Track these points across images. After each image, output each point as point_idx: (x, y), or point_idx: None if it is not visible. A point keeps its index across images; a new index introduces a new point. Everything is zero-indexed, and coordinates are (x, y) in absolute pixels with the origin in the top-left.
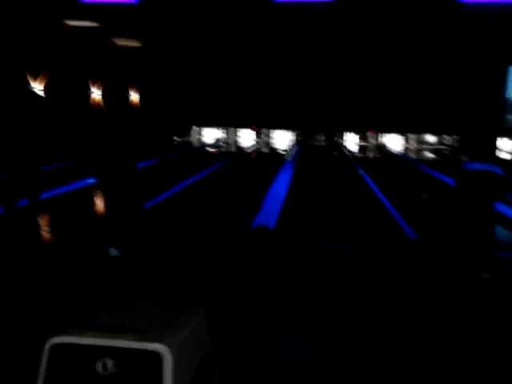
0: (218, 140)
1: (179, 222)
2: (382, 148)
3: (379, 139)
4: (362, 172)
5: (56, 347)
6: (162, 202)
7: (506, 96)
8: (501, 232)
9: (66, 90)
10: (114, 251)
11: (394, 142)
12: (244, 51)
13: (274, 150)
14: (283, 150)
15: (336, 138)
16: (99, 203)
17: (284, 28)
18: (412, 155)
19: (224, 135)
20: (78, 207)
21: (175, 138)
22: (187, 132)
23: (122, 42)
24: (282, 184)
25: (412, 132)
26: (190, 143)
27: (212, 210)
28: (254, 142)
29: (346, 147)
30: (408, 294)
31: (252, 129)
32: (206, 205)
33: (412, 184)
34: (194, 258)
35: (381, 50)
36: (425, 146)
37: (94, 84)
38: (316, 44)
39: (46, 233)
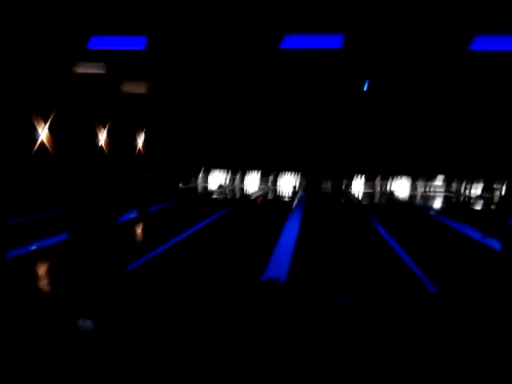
0: (221, 186)
1: (180, 275)
2: (390, 195)
3: (387, 186)
4: (372, 220)
5: None
6: (163, 253)
7: None
8: None
9: (73, 137)
10: (86, 323)
11: (401, 189)
12: (251, 96)
13: (279, 197)
14: (289, 197)
15: (343, 185)
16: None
17: (291, 73)
18: (420, 202)
19: (228, 182)
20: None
21: (180, 184)
22: (192, 179)
23: (129, 89)
24: (290, 234)
25: (421, 175)
26: (194, 190)
27: (219, 260)
28: (258, 189)
29: (353, 194)
30: (431, 352)
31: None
32: (211, 255)
33: (425, 231)
34: (200, 317)
35: (387, 95)
36: (433, 192)
37: (100, 131)
38: (323, 89)
39: None
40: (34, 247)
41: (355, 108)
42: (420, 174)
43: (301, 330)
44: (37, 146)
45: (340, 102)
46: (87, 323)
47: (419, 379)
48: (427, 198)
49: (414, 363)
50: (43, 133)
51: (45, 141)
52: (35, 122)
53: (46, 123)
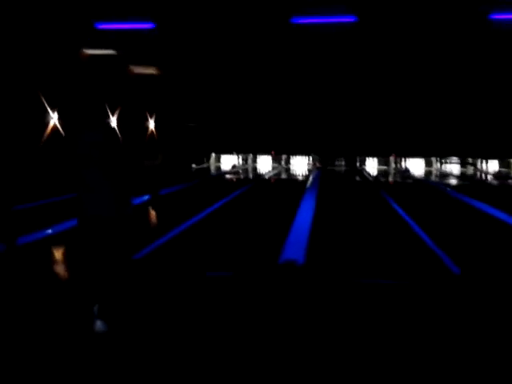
0: (235, 166)
1: (196, 257)
2: (404, 172)
3: (401, 163)
4: (387, 197)
5: None
6: (179, 235)
7: None
8: None
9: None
10: (100, 325)
11: (416, 166)
12: (263, 75)
13: (293, 176)
14: (303, 176)
15: (357, 163)
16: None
17: (304, 49)
18: (435, 179)
19: (241, 161)
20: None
21: (193, 165)
22: (205, 159)
23: (139, 70)
24: (306, 213)
25: (435, 156)
26: (207, 170)
27: (234, 242)
28: (272, 168)
29: (367, 172)
30: (454, 334)
31: (271, 155)
32: (227, 236)
33: (442, 209)
34: (217, 299)
35: (403, 73)
36: (449, 169)
37: (112, 113)
38: (337, 66)
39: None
40: (49, 231)
41: (370, 85)
42: (435, 154)
43: (320, 313)
44: (49, 129)
45: (354, 79)
46: (99, 325)
47: (445, 363)
48: (443, 175)
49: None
50: (55, 116)
51: (57, 124)
52: (46, 105)
53: (56, 106)
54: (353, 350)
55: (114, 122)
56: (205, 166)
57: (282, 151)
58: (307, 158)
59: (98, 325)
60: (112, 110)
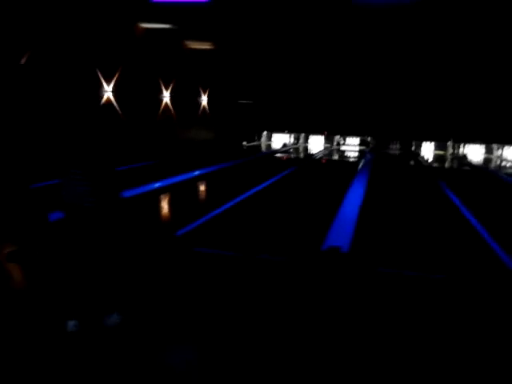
0: (285, 145)
1: (238, 238)
2: (462, 158)
3: (459, 148)
4: (443, 185)
5: None
6: (224, 213)
7: None
8: None
9: (138, 93)
10: (112, 319)
11: (475, 152)
12: (318, 55)
13: (344, 158)
14: (355, 158)
15: (412, 147)
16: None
17: (362, 29)
18: (495, 167)
19: (293, 141)
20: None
21: (244, 142)
22: (256, 137)
23: (193, 45)
24: (354, 197)
25: (496, 142)
26: (258, 148)
27: (278, 224)
28: (323, 148)
29: (422, 156)
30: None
31: (324, 135)
32: (271, 218)
33: (502, 200)
34: (257, 280)
35: (464, 54)
36: (510, 157)
37: (166, 87)
38: (394, 47)
39: None
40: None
41: (429, 66)
42: (496, 141)
43: (362, 302)
44: (104, 101)
45: (412, 61)
46: (113, 318)
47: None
48: (504, 163)
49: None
50: (109, 90)
51: (112, 98)
52: (102, 79)
53: (111, 80)
54: (390, 341)
55: (167, 96)
56: (256, 143)
57: (335, 132)
58: (360, 139)
59: (112, 319)
60: (166, 85)
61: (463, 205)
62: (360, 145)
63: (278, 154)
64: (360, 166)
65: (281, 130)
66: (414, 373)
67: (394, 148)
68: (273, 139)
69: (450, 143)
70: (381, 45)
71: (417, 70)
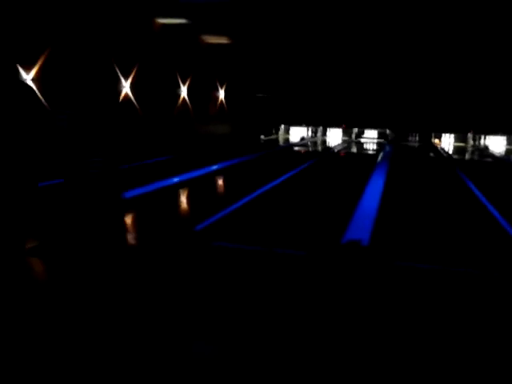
0: (303, 138)
1: (257, 230)
2: (483, 150)
3: (480, 141)
4: (464, 177)
5: None
6: (243, 207)
7: None
8: None
9: (155, 89)
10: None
11: (496, 144)
12: (336, 48)
13: (363, 150)
14: (373, 151)
15: (431, 139)
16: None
17: (380, 20)
18: None
19: (311, 134)
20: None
21: (262, 136)
22: (274, 130)
23: (211, 40)
24: (374, 191)
25: None
26: (276, 142)
27: (297, 218)
28: (341, 141)
29: (442, 148)
30: None
31: (342, 128)
32: (291, 212)
33: None
34: (279, 272)
35: (485, 44)
36: None
37: (183, 82)
38: (414, 38)
39: None
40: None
41: (450, 59)
42: None
43: (383, 296)
44: (121, 97)
45: (432, 53)
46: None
47: None
48: None
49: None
50: (127, 85)
51: (129, 93)
52: (119, 74)
53: (129, 76)
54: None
55: (184, 91)
56: (273, 137)
57: (353, 124)
58: (377, 132)
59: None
60: (183, 80)
61: (485, 197)
62: (378, 137)
63: (296, 148)
64: (379, 158)
65: (298, 124)
66: (433, 368)
67: (413, 140)
68: (290, 133)
69: (470, 135)
70: (399, 37)
71: (436, 62)
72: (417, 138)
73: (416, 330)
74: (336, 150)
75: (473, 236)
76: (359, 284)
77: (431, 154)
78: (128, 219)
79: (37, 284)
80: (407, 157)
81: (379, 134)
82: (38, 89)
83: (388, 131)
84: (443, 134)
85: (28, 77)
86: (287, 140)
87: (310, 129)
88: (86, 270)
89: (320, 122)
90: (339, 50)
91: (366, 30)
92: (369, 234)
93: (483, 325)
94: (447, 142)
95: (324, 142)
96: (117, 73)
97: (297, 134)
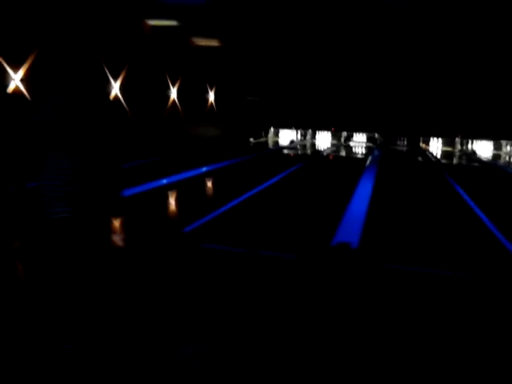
0: (293, 141)
1: (248, 233)
2: (470, 155)
3: (468, 145)
4: (452, 181)
5: None
6: (232, 209)
7: None
8: None
9: (145, 90)
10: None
11: (484, 149)
12: (325, 52)
13: (352, 154)
14: (362, 154)
15: (419, 143)
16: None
17: (368, 26)
18: (504, 163)
19: (300, 137)
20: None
21: (251, 139)
22: (263, 133)
23: (201, 42)
24: (363, 194)
25: (504, 139)
26: (265, 144)
27: (286, 221)
28: (330, 145)
29: (430, 152)
30: None
31: (331, 131)
32: (280, 215)
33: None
34: (268, 275)
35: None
36: None
37: (173, 84)
38: (401, 43)
39: None
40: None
41: (437, 64)
42: (504, 137)
43: (373, 298)
44: (111, 98)
45: (419, 58)
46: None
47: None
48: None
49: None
50: (117, 86)
51: (119, 94)
52: (109, 75)
53: (118, 77)
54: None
55: (174, 93)
56: (263, 140)
57: (342, 128)
58: (367, 135)
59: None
60: (173, 81)
61: (472, 200)
62: (367, 141)
63: (286, 151)
64: (368, 162)
65: (288, 127)
66: (420, 371)
67: (402, 144)
68: (280, 135)
69: (458, 139)
70: (387, 41)
71: (424, 67)
72: (405, 142)
73: (405, 331)
74: (325, 154)
75: (461, 239)
76: (349, 286)
77: (419, 159)
78: (116, 221)
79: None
80: (396, 161)
81: (368, 137)
82: (25, 89)
83: (377, 135)
84: (431, 139)
85: (16, 77)
86: (277, 143)
87: (299, 132)
88: (73, 271)
89: (309, 125)
90: (329, 53)
91: (355, 34)
92: (358, 237)
93: (471, 326)
94: (435, 147)
95: (313, 145)
96: (106, 74)
97: (286, 136)
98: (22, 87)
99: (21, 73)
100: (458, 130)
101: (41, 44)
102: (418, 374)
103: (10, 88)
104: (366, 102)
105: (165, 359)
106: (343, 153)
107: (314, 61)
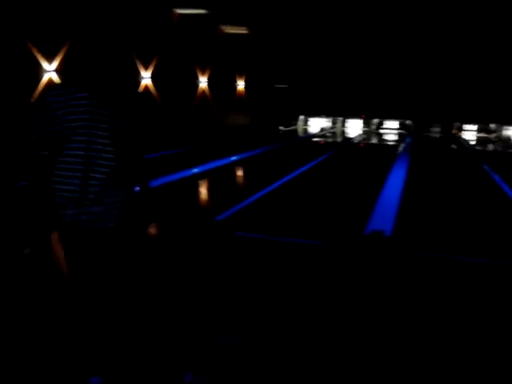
0: (323, 129)
1: (280, 221)
2: (507, 141)
3: (503, 132)
4: (487, 169)
5: None
6: (263, 198)
7: None
8: None
9: (175, 80)
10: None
11: None
12: (356, 37)
13: (383, 141)
14: (393, 141)
15: (453, 130)
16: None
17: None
18: None
19: (330, 124)
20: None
21: (281, 127)
22: (293, 121)
23: (229, 30)
24: (396, 181)
25: None
26: (295, 132)
27: (317, 209)
28: (361, 132)
29: (464, 139)
30: None
31: (362, 118)
32: (311, 203)
33: None
34: (299, 265)
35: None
36: None
37: (202, 73)
38: (435, 27)
39: None
40: None
41: (471, 48)
42: None
43: (408, 287)
44: (142, 88)
45: (454, 42)
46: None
47: None
48: None
49: None
50: (147, 76)
51: (150, 84)
52: (138, 65)
53: (149, 66)
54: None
55: (204, 82)
56: (292, 128)
57: (373, 115)
58: (397, 122)
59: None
60: (202, 71)
61: (510, 188)
62: (399, 128)
63: (316, 139)
64: (400, 149)
65: (318, 114)
66: (462, 362)
67: (435, 131)
68: (310, 123)
69: (493, 125)
70: (422, 23)
71: (458, 51)
72: (438, 129)
73: (443, 324)
74: (356, 141)
75: (498, 228)
76: (382, 274)
77: (453, 146)
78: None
79: None
80: (429, 148)
81: (400, 124)
82: (60, 79)
83: (409, 122)
84: (465, 125)
85: (50, 67)
86: (306, 131)
87: (329, 120)
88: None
89: (339, 112)
90: (360, 39)
91: (387, 18)
92: (391, 224)
93: (508, 317)
94: (470, 133)
95: (343, 132)
96: (136, 64)
97: (316, 124)
98: (55, 78)
99: (54, 64)
100: (493, 116)
101: (73, 35)
102: (461, 365)
103: (44, 79)
104: (398, 88)
105: (204, 345)
106: (374, 140)
107: (345, 47)
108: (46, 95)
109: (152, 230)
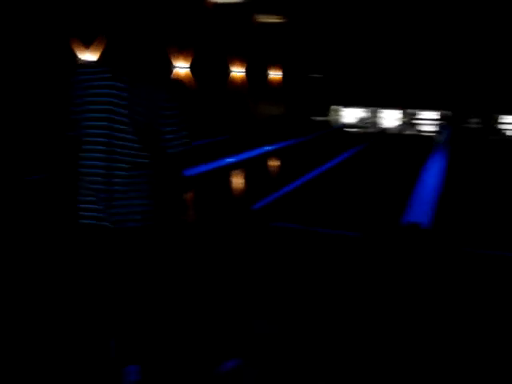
0: (357, 120)
1: (312, 212)
2: None
3: None
4: None
5: None
6: (298, 188)
7: None
8: None
9: (209, 69)
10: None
11: None
12: (393, 26)
13: (420, 132)
14: (430, 132)
15: (492, 121)
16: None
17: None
18: None
19: (365, 115)
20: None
21: (315, 117)
22: (327, 111)
23: (264, 19)
24: (433, 173)
25: None
26: (329, 123)
27: (354, 200)
28: (398, 123)
29: (504, 131)
30: None
31: (398, 109)
32: (345, 193)
33: None
34: (334, 256)
35: None
36: None
37: (235, 62)
38: (475, 16)
39: None
40: None
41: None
42: None
43: (448, 281)
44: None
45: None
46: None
47: None
48: None
49: None
50: (186, 66)
51: (189, 73)
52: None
53: (187, 56)
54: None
55: (238, 71)
56: (327, 118)
57: (409, 105)
58: (437, 113)
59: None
60: (236, 60)
61: None
62: (436, 119)
63: (350, 129)
64: (437, 140)
65: (352, 105)
66: (503, 358)
67: (474, 122)
68: (344, 114)
69: None
70: (461, 14)
71: (498, 40)
72: (477, 120)
73: (486, 323)
74: (391, 132)
75: None
76: (421, 267)
77: (493, 137)
78: (187, 197)
79: None
80: (467, 140)
81: (437, 115)
82: None
83: (447, 112)
84: (505, 116)
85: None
86: (340, 121)
87: (364, 110)
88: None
89: (374, 103)
90: (396, 28)
91: (425, 6)
92: (429, 217)
93: None
94: (509, 125)
95: (379, 123)
96: (170, 53)
97: (350, 115)
98: None
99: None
100: None
101: (109, 26)
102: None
103: None
104: (435, 77)
105: (245, 333)
106: (411, 131)
107: (380, 36)
108: (72, 74)
109: (188, 220)
